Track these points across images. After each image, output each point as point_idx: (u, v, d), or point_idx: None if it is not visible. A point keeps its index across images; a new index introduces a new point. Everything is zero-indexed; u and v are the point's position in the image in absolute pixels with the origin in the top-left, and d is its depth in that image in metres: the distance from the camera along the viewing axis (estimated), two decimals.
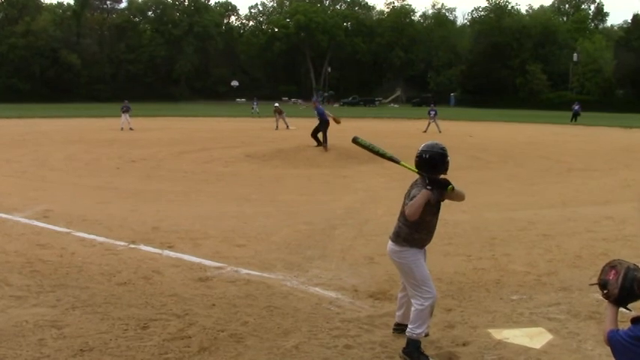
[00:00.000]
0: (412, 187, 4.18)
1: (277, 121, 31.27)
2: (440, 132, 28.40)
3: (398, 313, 4.54)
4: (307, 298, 5.34)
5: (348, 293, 5.47)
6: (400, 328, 4.45)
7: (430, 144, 4.23)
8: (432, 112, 30.14)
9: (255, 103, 49.71)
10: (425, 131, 28.77)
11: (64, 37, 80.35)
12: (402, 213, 4.19)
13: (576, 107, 44.19)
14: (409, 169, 4.23)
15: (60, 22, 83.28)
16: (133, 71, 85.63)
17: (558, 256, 6.84)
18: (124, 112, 29.86)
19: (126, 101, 30.98)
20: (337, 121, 19.32)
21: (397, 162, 4.35)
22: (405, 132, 29.21)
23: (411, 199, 4.03)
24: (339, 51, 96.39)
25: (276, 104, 33.04)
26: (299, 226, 8.24)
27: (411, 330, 4.11)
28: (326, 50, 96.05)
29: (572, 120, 42.31)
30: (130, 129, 28.52)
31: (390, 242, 4.28)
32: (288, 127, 30.46)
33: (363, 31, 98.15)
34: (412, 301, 4.18)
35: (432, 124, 29.43)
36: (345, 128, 30.77)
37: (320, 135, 18.83)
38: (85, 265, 6.20)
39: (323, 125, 18.92)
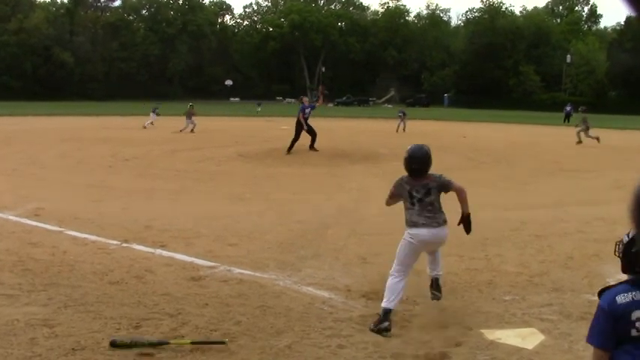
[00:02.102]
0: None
1: (189, 123, 27.87)
2: (404, 131, 29.02)
3: (398, 299, 4.81)
4: (300, 297, 5.34)
5: (341, 293, 5.47)
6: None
7: (410, 149, 4.97)
8: (401, 114, 31.13)
9: (258, 103, 52.64)
10: (404, 130, 29.27)
11: (57, 35, 79.82)
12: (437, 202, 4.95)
13: (568, 108, 44.54)
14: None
15: (53, 20, 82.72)
16: (126, 70, 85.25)
17: (550, 257, 6.86)
18: (153, 112, 30.92)
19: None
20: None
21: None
22: (399, 132, 29.20)
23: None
24: (332, 50, 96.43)
25: (190, 104, 30.41)
26: (292, 226, 8.24)
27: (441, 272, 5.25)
28: (320, 50, 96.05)
29: (564, 121, 42.55)
30: (151, 123, 29.64)
31: (444, 228, 4.94)
32: (192, 130, 27.17)
33: (357, 31, 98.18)
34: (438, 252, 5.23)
35: (404, 125, 30.14)
36: (339, 128, 30.85)
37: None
38: (77, 264, 6.17)
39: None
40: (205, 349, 4.20)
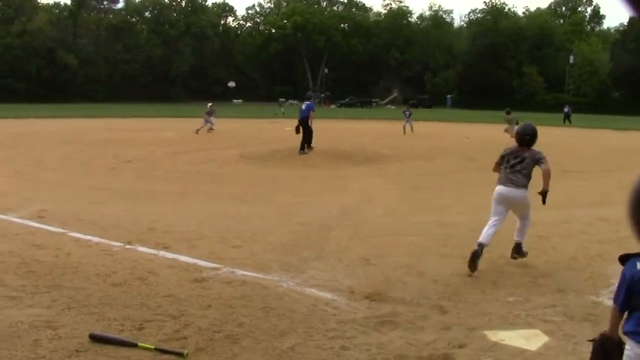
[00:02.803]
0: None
1: (207, 122, 28.26)
2: (412, 132, 28.82)
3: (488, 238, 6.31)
4: (303, 299, 5.34)
5: (344, 294, 5.46)
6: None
7: (522, 128, 6.74)
8: (407, 112, 30.62)
9: (279, 105, 51.16)
10: (412, 131, 29.00)
11: (60, 38, 79.93)
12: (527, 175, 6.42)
13: (566, 109, 44.95)
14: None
15: (56, 23, 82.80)
16: (129, 71, 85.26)
17: (554, 258, 6.86)
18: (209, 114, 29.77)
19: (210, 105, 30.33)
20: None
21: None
22: (402, 133, 29.17)
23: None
24: (335, 52, 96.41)
25: (210, 104, 30.18)
26: (295, 227, 8.24)
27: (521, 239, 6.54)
28: (322, 51, 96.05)
29: (564, 121, 42.76)
30: (200, 129, 28.15)
31: (520, 190, 6.34)
32: (197, 131, 26.89)
33: (359, 32, 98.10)
34: (525, 221, 6.59)
35: (411, 125, 29.77)
36: (341, 129, 30.82)
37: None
38: (80, 266, 6.18)
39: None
40: (209, 350, 4.20)
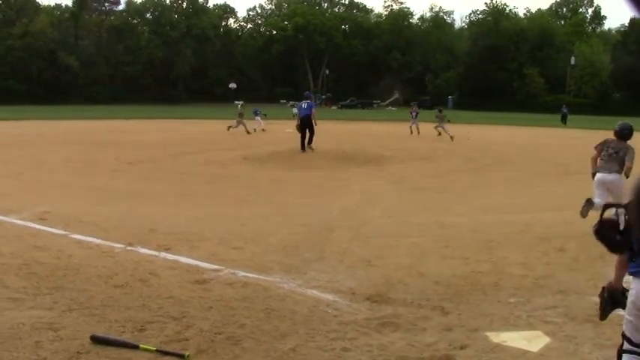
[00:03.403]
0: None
1: (247, 124, 29.47)
2: (419, 134, 28.60)
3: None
4: (304, 300, 5.34)
5: (346, 296, 5.46)
6: None
7: (620, 124, 7.99)
8: (414, 113, 29.80)
9: (291, 104, 51.21)
10: (418, 132, 28.86)
11: (61, 39, 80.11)
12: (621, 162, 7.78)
13: (564, 110, 45.26)
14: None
15: (58, 24, 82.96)
16: (130, 73, 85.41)
17: (555, 259, 6.84)
18: (256, 115, 31.10)
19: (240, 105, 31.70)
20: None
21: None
22: (403, 135, 29.17)
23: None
24: (336, 53, 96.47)
25: (240, 104, 31.09)
26: (296, 228, 8.24)
27: None
28: (324, 52, 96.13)
29: (565, 122, 42.99)
30: (263, 130, 29.83)
31: (615, 175, 7.73)
32: (247, 130, 28.45)
33: (360, 34, 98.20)
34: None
35: (417, 127, 29.23)
36: (343, 131, 30.82)
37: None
38: (81, 268, 6.18)
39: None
40: (210, 352, 4.21)
